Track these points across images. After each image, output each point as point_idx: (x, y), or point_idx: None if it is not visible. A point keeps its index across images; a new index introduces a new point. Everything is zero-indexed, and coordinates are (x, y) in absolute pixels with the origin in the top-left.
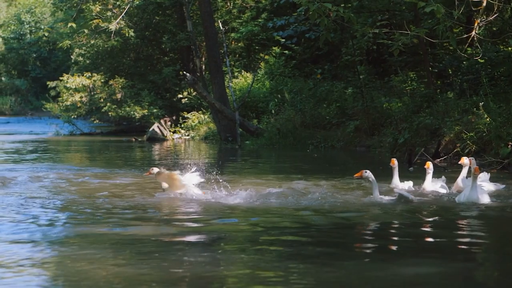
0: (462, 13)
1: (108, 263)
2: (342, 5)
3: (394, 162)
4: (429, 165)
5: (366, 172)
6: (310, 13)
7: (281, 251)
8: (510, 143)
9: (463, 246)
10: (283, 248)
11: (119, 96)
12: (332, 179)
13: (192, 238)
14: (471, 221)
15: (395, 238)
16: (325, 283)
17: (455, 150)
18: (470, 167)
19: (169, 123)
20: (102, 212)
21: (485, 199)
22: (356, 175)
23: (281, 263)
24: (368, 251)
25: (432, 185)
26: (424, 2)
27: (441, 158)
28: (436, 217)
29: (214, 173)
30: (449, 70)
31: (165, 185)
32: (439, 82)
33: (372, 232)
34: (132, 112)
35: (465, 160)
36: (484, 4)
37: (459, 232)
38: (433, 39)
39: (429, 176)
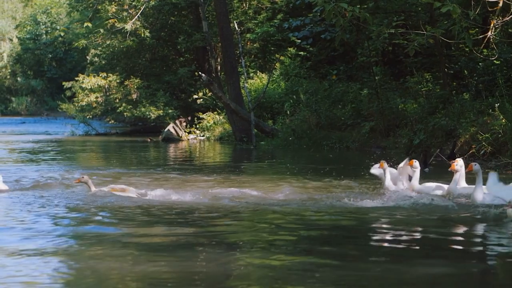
0: (478, 14)
1: (123, 262)
2: (357, 6)
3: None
4: (413, 163)
5: (475, 165)
6: (326, 13)
7: (295, 251)
8: None
9: (475, 247)
10: (297, 248)
11: (134, 96)
12: (347, 180)
13: (206, 237)
14: (483, 222)
15: (407, 238)
16: (338, 282)
17: (470, 151)
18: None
19: (184, 124)
20: (116, 212)
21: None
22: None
23: (296, 262)
24: (381, 250)
25: (424, 185)
26: (440, 2)
27: (456, 159)
28: (448, 217)
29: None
30: (465, 71)
31: (93, 188)
32: (454, 83)
33: (384, 232)
34: (147, 113)
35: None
36: (500, 4)
37: (472, 233)
38: (449, 40)
39: (416, 174)
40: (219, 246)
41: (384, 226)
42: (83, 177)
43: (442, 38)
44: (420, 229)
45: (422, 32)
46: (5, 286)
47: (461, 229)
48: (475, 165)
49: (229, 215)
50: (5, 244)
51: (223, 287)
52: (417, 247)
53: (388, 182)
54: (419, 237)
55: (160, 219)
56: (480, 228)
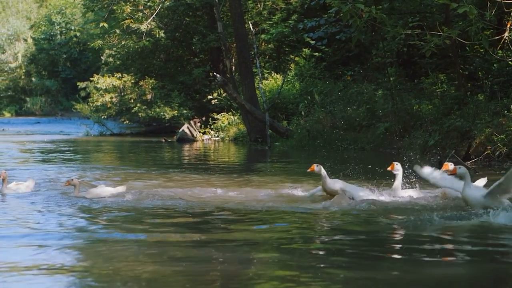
0: (493, 15)
1: (139, 263)
2: (373, 7)
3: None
4: (394, 166)
5: (397, 164)
6: (342, 14)
7: (311, 253)
8: None
9: (490, 248)
10: (313, 250)
11: (149, 97)
12: (362, 181)
13: (222, 239)
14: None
15: (422, 239)
16: (354, 283)
17: (485, 152)
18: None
19: (198, 124)
20: (132, 213)
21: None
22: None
23: (312, 264)
24: (395, 251)
25: (404, 190)
26: (457, 3)
27: (471, 160)
28: (462, 218)
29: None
30: (480, 72)
31: (76, 192)
32: (469, 84)
33: (398, 233)
34: (162, 113)
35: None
36: None
37: (487, 234)
38: (464, 41)
39: (398, 176)
40: (234, 246)
41: (399, 227)
42: (72, 179)
43: (459, 39)
44: (436, 230)
45: (438, 33)
46: (20, 286)
47: (475, 230)
48: (460, 168)
49: (245, 216)
50: (19, 244)
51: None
52: (432, 248)
53: (396, 184)
54: (436, 238)
55: (172, 220)
56: (492, 229)
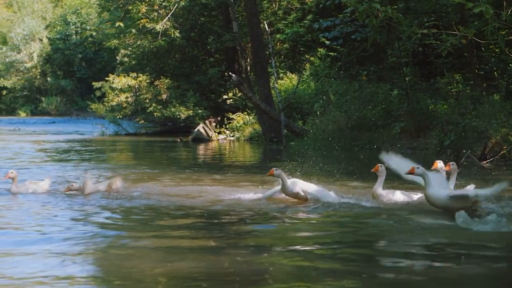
0: (509, 14)
1: (156, 261)
2: (389, 6)
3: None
4: (378, 168)
5: (418, 168)
6: (358, 13)
7: (327, 253)
8: None
9: (504, 247)
10: (329, 250)
11: (164, 96)
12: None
13: (238, 237)
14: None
15: (438, 240)
16: (369, 283)
17: (501, 152)
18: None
19: (214, 124)
20: (149, 211)
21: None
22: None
23: (328, 264)
24: (410, 251)
25: (385, 191)
26: (472, 3)
27: (487, 160)
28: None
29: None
30: (495, 72)
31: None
32: (485, 84)
33: (413, 233)
34: (177, 113)
35: (438, 165)
36: None
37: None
38: (480, 40)
39: (380, 179)
40: (248, 246)
41: (414, 226)
42: (72, 184)
43: (475, 38)
44: (451, 229)
45: (454, 32)
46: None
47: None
48: (418, 168)
49: (260, 216)
50: (31, 245)
51: (253, 287)
52: (450, 248)
53: (377, 186)
54: (451, 238)
55: (187, 220)
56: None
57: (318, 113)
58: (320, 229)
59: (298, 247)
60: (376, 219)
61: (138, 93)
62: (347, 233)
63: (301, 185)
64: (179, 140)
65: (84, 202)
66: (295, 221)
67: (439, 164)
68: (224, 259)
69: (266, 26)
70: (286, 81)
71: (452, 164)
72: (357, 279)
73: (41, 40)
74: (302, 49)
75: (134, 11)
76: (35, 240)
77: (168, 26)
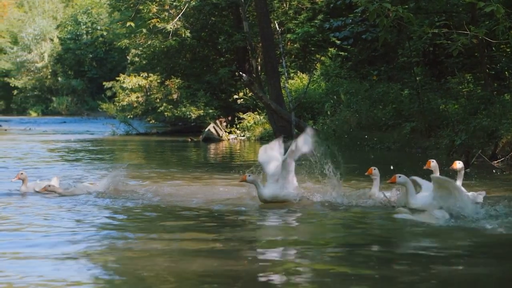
0: None
1: (165, 260)
2: (400, 6)
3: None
4: (372, 171)
5: (400, 177)
6: (369, 13)
7: (339, 252)
8: None
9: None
10: (342, 249)
11: (175, 96)
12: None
13: (248, 236)
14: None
15: (451, 241)
16: (383, 281)
17: None
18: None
19: (224, 124)
20: (157, 212)
21: None
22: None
23: (340, 262)
24: (422, 251)
25: (380, 193)
26: (483, 2)
27: (498, 160)
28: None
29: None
30: (506, 72)
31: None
32: (496, 84)
33: (424, 233)
34: (187, 113)
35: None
36: None
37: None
38: (491, 40)
39: (375, 182)
40: (257, 246)
41: (426, 228)
42: (49, 185)
43: (486, 38)
44: (465, 231)
45: (465, 32)
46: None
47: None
48: (400, 176)
49: (268, 217)
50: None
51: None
52: (464, 249)
53: (373, 191)
54: (463, 239)
55: (197, 220)
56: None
57: (328, 113)
58: (331, 230)
59: (305, 247)
60: (377, 220)
61: (148, 93)
62: (351, 234)
63: (273, 190)
64: (189, 140)
65: (89, 202)
66: (303, 221)
67: (432, 163)
68: (232, 260)
69: (277, 26)
70: (297, 81)
71: (459, 163)
72: (359, 280)
73: (52, 40)
74: (312, 48)
75: (145, 11)
76: (40, 243)
77: (178, 26)
